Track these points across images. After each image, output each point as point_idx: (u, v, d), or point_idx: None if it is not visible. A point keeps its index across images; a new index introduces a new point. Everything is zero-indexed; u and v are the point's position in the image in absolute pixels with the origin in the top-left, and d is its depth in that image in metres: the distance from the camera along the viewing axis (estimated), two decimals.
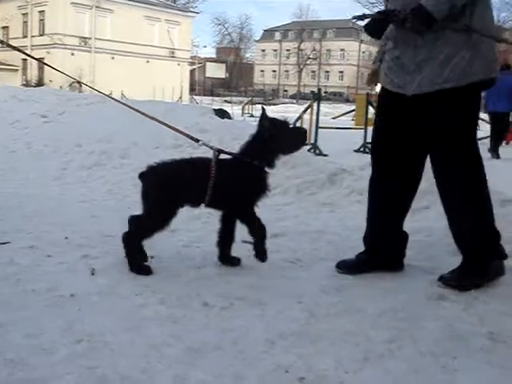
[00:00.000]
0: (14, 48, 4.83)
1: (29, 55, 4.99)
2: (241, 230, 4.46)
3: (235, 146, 6.80)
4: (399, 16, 3.18)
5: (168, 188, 3.46)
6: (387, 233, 3.67)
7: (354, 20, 3.62)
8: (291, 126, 3.73)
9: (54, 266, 3.55)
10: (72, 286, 3.17)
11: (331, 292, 3.24)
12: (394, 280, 3.49)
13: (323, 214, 5.17)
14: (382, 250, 3.65)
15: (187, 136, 3.99)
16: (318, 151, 11.74)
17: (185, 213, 4.70)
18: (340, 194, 5.53)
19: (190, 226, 4.58)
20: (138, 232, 3.52)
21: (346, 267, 3.62)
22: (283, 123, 3.60)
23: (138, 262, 3.48)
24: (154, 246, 3.70)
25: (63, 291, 3.09)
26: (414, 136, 3.44)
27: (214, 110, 11.67)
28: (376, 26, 3.44)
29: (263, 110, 3.64)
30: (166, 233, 3.66)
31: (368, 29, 3.46)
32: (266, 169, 3.59)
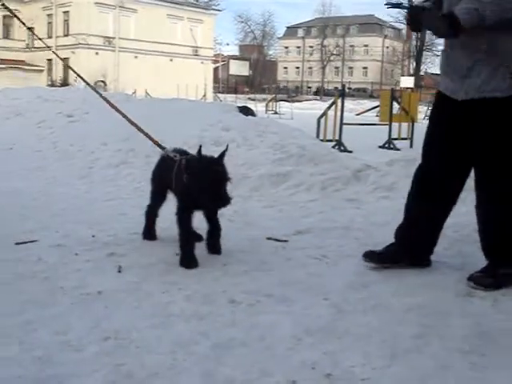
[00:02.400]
0: (39, 39, 4.87)
1: (49, 47, 5.02)
2: (266, 227, 4.48)
3: (259, 144, 6.85)
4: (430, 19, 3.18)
5: None
6: (422, 231, 3.62)
7: (388, 6, 3.58)
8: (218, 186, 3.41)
9: (81, 263, 3.58)
10: (99, 283, 3.19)
11: (358, 288, 3.23)
12: (421, 276, 3.46)
13: (348, 210, 5.15)
14: (413, 245, 3.61)
15: (155, 143, 4.08)
16: (342, 147, 11.69)
17: None
18: (365, 190, 5.50)
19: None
20: None
21: (372, 257, 3.61)
22: (206, 178, 3.39)
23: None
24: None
25: (90, 289, 3.11)
26: (464, 141, 3.38)
27: (238, 107, 11.66)
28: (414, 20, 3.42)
29: (225, 150, 3.49)
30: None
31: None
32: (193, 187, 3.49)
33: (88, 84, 4.96)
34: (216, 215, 3.71)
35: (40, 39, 4.86)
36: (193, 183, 3.43)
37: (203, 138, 7.40)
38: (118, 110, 4.29)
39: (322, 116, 12.73)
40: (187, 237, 3.60)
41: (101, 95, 4.53)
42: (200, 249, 3.68)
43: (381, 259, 3.60)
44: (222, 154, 3.46)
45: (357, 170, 5.78)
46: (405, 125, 14.35)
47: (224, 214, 4.71)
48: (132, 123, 4.23)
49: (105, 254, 3.77)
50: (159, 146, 3.99)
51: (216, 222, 3.73)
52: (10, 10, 4.74)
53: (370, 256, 3.62)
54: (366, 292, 3.18)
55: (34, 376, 2.19)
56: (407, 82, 41.99)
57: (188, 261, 3.54)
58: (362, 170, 5.78)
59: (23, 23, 4.85)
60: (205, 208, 3.61)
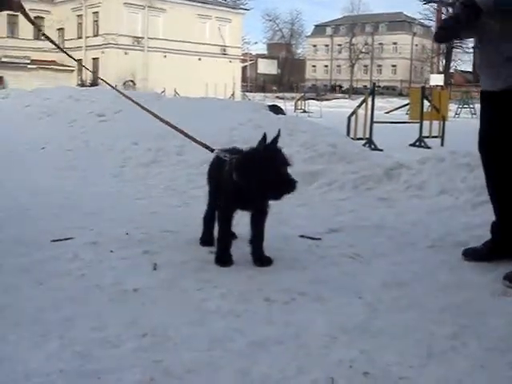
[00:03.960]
0: (53, 43, 4.92)
1: (63, 50, 5.06)
2: (299, 226, 4.48)
3: (291, 142, 6.84)
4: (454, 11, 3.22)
5: None
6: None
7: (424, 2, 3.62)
8: (285, 169, 3.35)
9: (116, 261, 3.61)
10: (135, 280, 3.22)
11: (392, 287, 3.22)
12: (455, 275, 3.44)
13: (381, 209, 5.13)
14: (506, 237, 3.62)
15: (201, 144, 4.02)
16: (373, 146, 11.64)
17: None
18: (397, 188, 5.48)
19: (247, 221, 4.60)
20: None
21: (473, 255, 3.64)
22: (276, 160, 3.34)
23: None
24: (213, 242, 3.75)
25: (126, 286, 3.14)
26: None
27: (268, 106, 11.67)
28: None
29: (277, 133, 3.40)
30: None
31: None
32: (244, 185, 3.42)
33: (116, 89, 4.96)
34: (264, 218, 3.61)
35: (55, 44, 4.90)
36: (254, 174, 3.33)
37: (233, 137, 7.43)
38: (157, 117, 4.28)
39: (352, 114, 12.68)
40: (226, 236, 3.61)
41: (137, 103, 4.52)
42: (234, 246, 3.69)
43: (480, 258, 3.63)
44: (276, 140, 3.38)
45: (389, 168, 5.75)
46: (435, 123, 14.24)
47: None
48: (176, 128, 4.22)
49: (139, 251, 3.80)
50: (207, 147, 3.96)
51: (262, 228, 3.61)
52: (48, 38, 4.83)
53: (469, 254, 3.67)
54: (400, 291, 3.17)
55: (75, 370, 2.23)
56: (437, 79, 41.77)
57: (223, 259, 3.55)
58: (393, 168, 5.75)
59: (54, 43, 4.91)
60: (262, 199, 3.51)
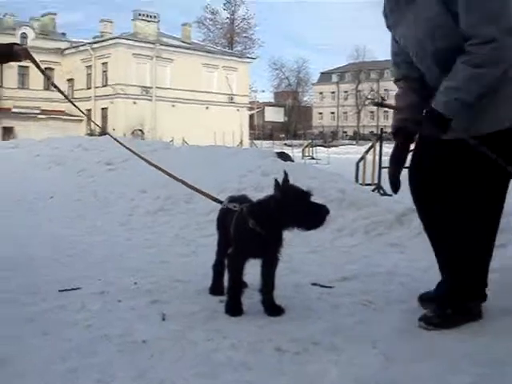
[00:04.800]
0: (61, 92, 4.95)
1: (70, 100, 5.07)
2: (311, 273, 4.41)
3: None
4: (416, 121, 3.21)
5: None
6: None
7: (369, 102, 3.56)
8: (311, 200, 3.34)
9: (124, 311, 3.54)
10: (143, 331, 3.15)
11: (407, 336, 3.13)
12: (471, 321, 3.34)
13: (393, 254, 5.06)
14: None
15: (211, 198, 4.01)
16: (382, 191, 11.58)
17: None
18: (409, 234, 5.40)
19: (258, 269, 4.53)
20: None
21: (429, 300, 3.54)
22: (300, 195, 3.33)
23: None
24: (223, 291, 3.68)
25: (135, 337, 3.07)
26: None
27: (277, 153, 11.68)
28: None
29: (285, 175, 3.35)
30: None
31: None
32: (262, 232, 3.39)
33: (120, 142, 4.95)
34: (275, 266, 3.54)
35: (63, 93, 4.93)
36: (285, 211, 3.31)
37: (242, 184, 7.41)
38: (163, 170, 4.28)
39: (360, 160, 12.69)
40: (237, 285, 3.53)
41: (142, 157, 4.52)
42: (244, 295, 3.62)
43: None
44: (286, 180, 3.35)
45: (400, 214, 5.69)
46: None
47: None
48: (183, 182, 4.26)
49: (148, 301, 3.73)
50: (215, 200, 3.94)
51: (272, 276, 3.53)
52: (55, 86, 4.88)
53: (425, 300, 3.58)
54: (415, 339, 3.07)
55: None
56: None
57: (234, 308, 3.47)
58: (405, 214, 5.68)
59: (62, 93, 4.95)
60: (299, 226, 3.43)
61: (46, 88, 52.26)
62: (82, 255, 5.24)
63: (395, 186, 3.47)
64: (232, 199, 3.82)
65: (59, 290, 3.97)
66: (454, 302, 3.34)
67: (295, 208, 3.30)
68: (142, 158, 4.51)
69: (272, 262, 3.53)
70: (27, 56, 4.35)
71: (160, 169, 4.30)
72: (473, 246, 3.27)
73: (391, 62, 3.68)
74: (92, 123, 44.88)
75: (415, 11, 3.14)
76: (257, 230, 3.38)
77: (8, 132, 44.14)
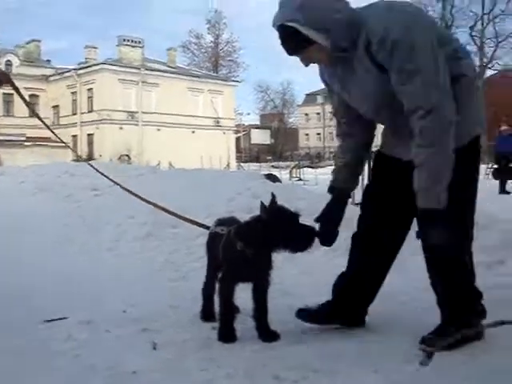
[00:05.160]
0: (42, 121, 4.88)
1: (48, 127, 4.98)
2: (304, 295, 4.28)
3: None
4: None
5: None
6: (362, 286, 3.59)
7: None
8: (299, 221, 3.27)
9: (113, 340, 3.40)
10: (133, 361, 3.01)
11: (411, 359, 2.99)
12: (480, 342, 3.23)
13: (392, 273, 4.92)
14: (351, 302, 3.55)
15: (197, 224, 3.96)
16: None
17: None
18: (405, 252, 5.25)
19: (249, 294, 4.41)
20: None
21: (305, 316, 3.53)
22: (287, 216, 3.25)
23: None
24: (215, 314, 3.55)
25: (124, 368, 2.93)
26: (403, 201, 3.27)
27: (265, 175, 11.60)
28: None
29: (272, 196, 3.29)
30: None
31: None
32: (250, 253, 3.29)
33: (110, 179, 4.86)
34: (267, 289, 3.41)
35: (45, 124, 4.85)
36: (272, 232, 3.22)
37: (231, 207, 7.27)
38: (147, 201, 4.21)
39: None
40: (228, 309, 3.40)
41: (130, 191, 4.43)
42: (237, 320, 3.50)
43: (315, 319, 3.52)
44: (274, 201, 3.28)
45: None
46: None
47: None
48: (169, 212, 4.25)
49: (137, 329, 3.58)
50: (202, 225, 3.86)
51: (265, 300, 3.40)
52: (34, 113, 4.82)
53: (302, 315, 3.52)
54: (419, 363, 2.95)
55: None
56: None
57: (227, 335, 3.34)
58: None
59: (41, 120, 4.89)
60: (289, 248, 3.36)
61: (31, 115, 52.20)
62: (68, 282, 5.08)
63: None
64: (220, 222, 3.74)
65: (45, 321, 3.82)
66: (454, 321, 3.24)
67: (282, 229, 3.22)
68: (124, 188, 4.40)
69: (263, 284, 3.41)
70: (8, 81, 4.24)
71: (142, 198, 4.22)
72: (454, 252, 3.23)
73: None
74: (83, 147, 44.90)
75: (358, 84, 3.13)
76: (245, 252, 3.28)
77: None
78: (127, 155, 48.05)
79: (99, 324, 3.74)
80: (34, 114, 4.74)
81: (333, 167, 3.65)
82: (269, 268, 3.40)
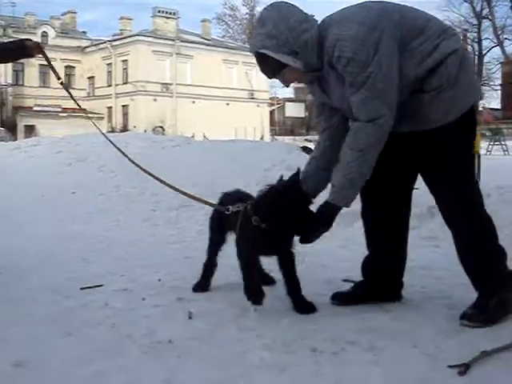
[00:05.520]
0: (68, 92, 4.90)
1: (73, 98, 4.97)
2: (342, 269, 4.23)
3: None
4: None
5: None
6: (385, 260, 3.55)
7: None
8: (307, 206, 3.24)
9: (149, 309, 3.40)
10: (169, 330, 3.00)
11: (450, 334, 2.93)
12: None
13: (427, 248, 4.87)
14: (380, 278, 3.51)
15: (203, 201, 4.00)
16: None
17: None
18: (442, 226, 5.16)
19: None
20: None
21: (340, 298, 3.50)
22: (300, 195, 3.22)
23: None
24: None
25: (161, 337, 2.92)
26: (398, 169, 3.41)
27: (301, 147, 11.50)
28: None
29: (297, 170, 3.28)
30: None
31: None
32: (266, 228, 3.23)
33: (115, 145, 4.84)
34: (293, 261, 3.36)
35: (71, 96, 4.83)
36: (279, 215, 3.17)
37: (267, 178, 7.22)
38: (154, 176, 4.21)
39: None
40: (252, 275, 3.35)
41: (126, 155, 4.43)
42: (276, 291, 3.46)
43: (349, 301, 3.48)
44: (294, 178, 3.25)
45: (431, 206, 5.45)
46: None
47: (296, 256, 4.53)
48: (176, 189, 4.29)
49: (173, 299, 3.59)
50: (208, 203, 3.86)
51: (293, 272, 3.36)
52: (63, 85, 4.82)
53: (336, 298, 3.50)
54: (459, 338, 2.88)
55: None
56: None
57: (254, 294, 3.28)
58: (435, 205, 5.46)
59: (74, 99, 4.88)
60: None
61: (67, 86, 52.57)
62: (104, 251, 5.13)
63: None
64: (226, 194, 3.77)
65: (81, 288, 3.84)
66: (489, 290, 3.20)
67: (289, 206, 3.16)
68: (136, 164, 4.38)
69: (286, 257, 3.36)
70: (39, 51, 4.23)
71: (153, 176, 4.21)
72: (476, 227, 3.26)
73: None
74: (118, 118, 45.07)
75: (334, 90, 3.21)
76: (261, 226, 3.22)
77: (30, 130, 44.30)
78: (161, 127, 48.19)
79: (135, 292, 3.75)
80: (61, 84, 4.73)
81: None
82: (288, 240, 3.33)
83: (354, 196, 3.20)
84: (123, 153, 4.56)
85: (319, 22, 3.16)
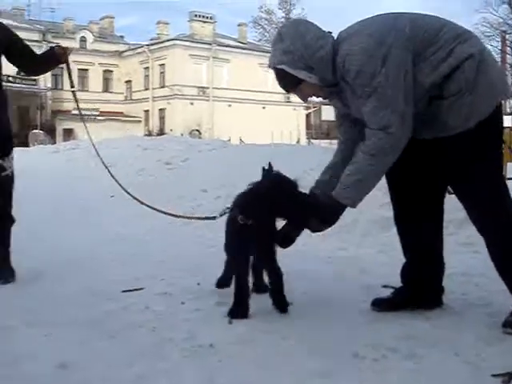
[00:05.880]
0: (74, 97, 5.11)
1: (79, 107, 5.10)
2: (381, 275, 4.21)
3: None
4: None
5: None
6: (422, 267, 3.52)
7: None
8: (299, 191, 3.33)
9: (189, 313, 3.43)
10: (210, 335, 3.01)
11: (492, 342, 2.89)
12: None
13: (465, 254, 4.81)
14: (419, 285, 3.49)
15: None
16: (450, 190, 11.24)
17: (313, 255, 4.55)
18: (473, 230, 5.13)
19: (327, 269, 4.37)
20: None
21: (380, 304, 3.48)
22: (287, 182, 3.33)
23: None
24: (292, 291, 3.52)
25: (201, 341, 2.93)
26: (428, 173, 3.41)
27: None
28: None
29: (269, 165, 3.39)
30: (302, 278, 3.47)
31: None
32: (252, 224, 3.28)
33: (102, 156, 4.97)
34: (275, 259, 3.43)
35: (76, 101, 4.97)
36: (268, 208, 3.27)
37: (305, 181, 7.23)
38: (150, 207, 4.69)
39: None
40: (242, 286, 3.39)
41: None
42: (316, 297, 3.46)
43: (389, 306, 3.46)
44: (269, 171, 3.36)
45: None
46: (510, 164, 13.70)
47: (335, 262, 4.54)
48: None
49: (212, 303, 3.61)
50: (207, 218, 4.14)
51: (278, 269, 3.41)
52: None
53: (377, 304, 3.48)
54: (501, 346, 2.85)
55: None
56: (506, 121, 40.89)
57: (239, 306, 3.33)
58: None
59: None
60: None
61: (105, 90, 53.22)
62: (143, 254, 5.18)
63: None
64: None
65: (122, 291, 3.89)
66: None
67: (280, 195, 3.26)
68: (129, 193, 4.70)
69: (267, 254, 3.42)
70: (65, 61, 4.35)
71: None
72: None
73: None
74: (155, 122, 45.46)
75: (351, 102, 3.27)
76: (248, 223, 3.28)
77: (68, 133, 44.93)
78: (198, 130, 48.46)
79: (174, 296, 3.79)
80: (72, 92, 4.90)
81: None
82: (271, 236, 3.39)
83: (358, 197, 3.22)
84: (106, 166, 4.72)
85: (335, 37, 3.23)
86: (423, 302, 3.48)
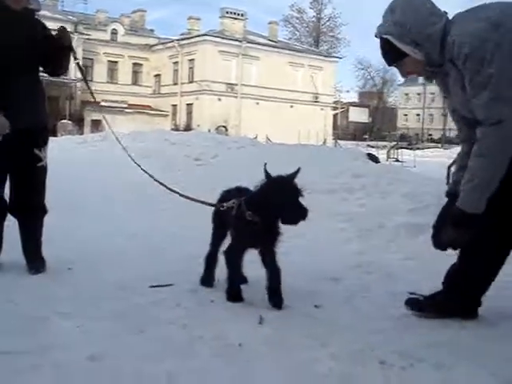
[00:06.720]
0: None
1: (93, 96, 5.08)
2: (409, 281, 4.18)
3: (392, 192, 6.58)
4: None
5: None
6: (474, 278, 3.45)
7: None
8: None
9: (218, 311, 3.47)
10: (239, 334, 3.04)
11: None
12: None
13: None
14: (459, 294, 3.45)
15: (201, 202, 4.41)
16: None
17: (348, 260, 4.55)
18: None
19: (353, 274, 4.36)
20: None
21: (413, 304, 3.51)
22: (286, 186, 3.47)
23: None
24: (318, 294, 3.53)
25: (230, 340, 2.97)
26: None
27: (366, 154, 11.44)
28: None
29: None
30: (329, 281, 3.47)
31: None
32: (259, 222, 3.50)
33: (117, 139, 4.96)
34: (275, 256, 3.65)
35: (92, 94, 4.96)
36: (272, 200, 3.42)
37: (332, 185, 7.24)
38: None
39: (452, 164, 12.27)
40: (236, 273, 3.75)
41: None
42: (337, 300, 3.46)
43: (423, 308, 3.47)
44: (293, 175, 3.52)
45: None
46: None
47: (361, 265, 4.53)
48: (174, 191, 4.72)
49: (242, 302, 3.64)
50: (207, 204, 4.20)
51: (275, 266, 3.62)
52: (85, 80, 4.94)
53: (411, 303, 3.51)
54: None
55: None
56: None
57: (234, 295, 3.65)
58: None
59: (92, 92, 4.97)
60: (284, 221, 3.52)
61: (134, 82, 53.47)
62: (172, 250, 5.20)
63: None
64: (226, 192, 4.06)
65: (150, 286, 3.93)
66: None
67: (279, 197, 3.41)
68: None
69: (269, 252, 3.64)
70: (65, 35, 4.22)
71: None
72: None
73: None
74: (182, 116, 45.61)
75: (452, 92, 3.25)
76: (253, 220, 3.47)
77: (96, 125, 45.19)
78: (224, 126, 48.51)
79: (204, 293, 3.83)
80: (84, 79, 4.87)
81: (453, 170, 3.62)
82: (276, 234, 3.59)
83: (481, 202, 3.09)
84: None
85: (450, 18, 3.15)
86: (459, 310, 3.43)
